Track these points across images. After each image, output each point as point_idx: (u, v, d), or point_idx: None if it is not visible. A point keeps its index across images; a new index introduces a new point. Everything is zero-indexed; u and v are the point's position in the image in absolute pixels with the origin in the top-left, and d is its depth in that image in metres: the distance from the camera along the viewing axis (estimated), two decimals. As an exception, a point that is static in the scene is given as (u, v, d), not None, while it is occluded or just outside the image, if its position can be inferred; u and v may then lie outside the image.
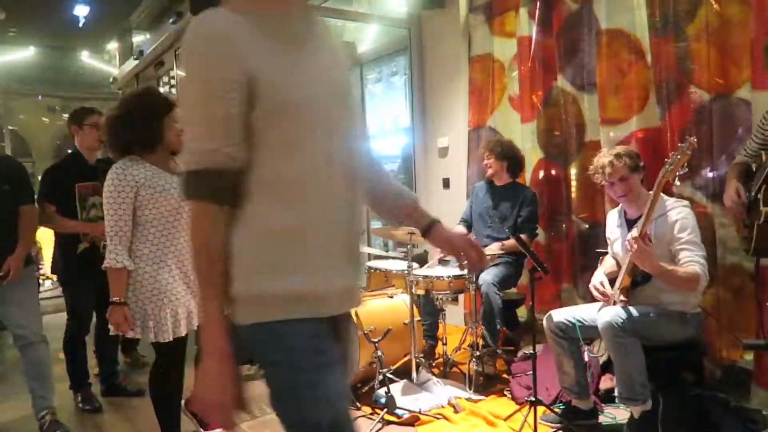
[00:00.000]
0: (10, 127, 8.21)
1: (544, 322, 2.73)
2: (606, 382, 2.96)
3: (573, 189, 3.88)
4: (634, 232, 2.34)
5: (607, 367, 2.98)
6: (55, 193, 3.10)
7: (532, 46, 4.03)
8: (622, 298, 2.46)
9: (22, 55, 8.01)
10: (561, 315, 2.68)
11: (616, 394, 2.46)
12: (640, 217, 2.48)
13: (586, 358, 2.76)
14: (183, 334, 2.40)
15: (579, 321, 2.62)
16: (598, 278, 2.66)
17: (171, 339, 2.33)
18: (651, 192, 2.36)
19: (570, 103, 3.83)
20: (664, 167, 2.30)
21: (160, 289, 2.32)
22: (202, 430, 2.74)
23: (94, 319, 3.32)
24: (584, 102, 3.75)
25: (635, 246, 2.30)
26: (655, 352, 2.44)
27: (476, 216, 3.85)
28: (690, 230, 2.41)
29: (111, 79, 7.67)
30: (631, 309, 2.41)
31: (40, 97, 9.08)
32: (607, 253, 2.90)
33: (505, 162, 3.69)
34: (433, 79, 4.91)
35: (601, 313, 2.45)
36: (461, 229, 3.92)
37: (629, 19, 3.40)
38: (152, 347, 2.39)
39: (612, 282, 2.61)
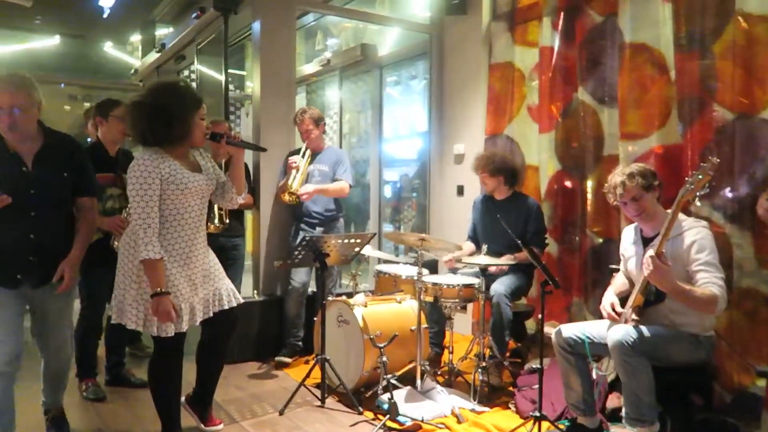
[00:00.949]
0: (31, 114, 8.29)
1: (553, 336, 2.69)
2: (613, 401, 2.91)
3: (588, 202, 3.83)
4: (651, 251, 2.30)
5: (614, 386, 2.93)
6: None
7: (554, 57, 3.99)
8: (633, 316, 2.42)
9: (47, 43, 8.10)
10: (570, 330, 2.64)
11: (623, 414, 2.42)
12: (656, 235, 2.44)
13: (594, 376, 2.72)
14: (184, 329, 2.40)
15: (588, 337, 2.58)
16: (609, 299, 2.61)
17: (173, 333, 2.34)
18: (669, 210, 2.32)
19: (589, 115, 3.79)
20: (685, 186, 2.26)
21: (166, 283, 2.32)
22: (202, 425, 2.75)
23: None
24: (604, 115, 3.71)
25: (652, 265, 2.26)
26: (665, 374, 2.40)
27: (480, 230, 3.80)
28: (708, 251, 2.36)
29: (132, 71, 7.73)
30: (643, 328, 2.37)
31: (62, 85, 9.16)
32: (619, 269, 2.86)
33: (501, 177, 3.62)
34: (452, 85, 4.89)
35: (612, 331, 2.41)
36: (469, 245, 3.86)
37: (654, 34, 3.36)
38: (153, 340, 2.40)
39: (623, 300, 2.57)
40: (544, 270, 2.55)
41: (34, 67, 8.18)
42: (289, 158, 3.95)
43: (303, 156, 3.95)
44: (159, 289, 2.26)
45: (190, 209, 2.41)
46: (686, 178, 2.29)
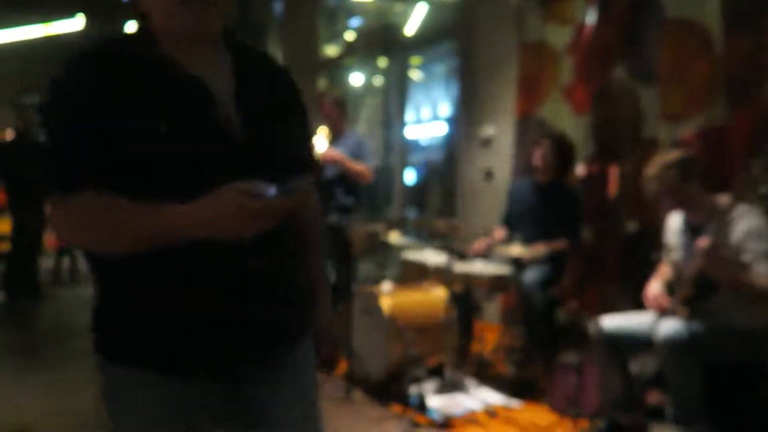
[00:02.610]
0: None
1: (591, 329, 2.55)
2: (654, 397, 2.77)
3: (626, 188, 3.65)
4: (706, 240, 2.13)
5: (655, 382, 2.79)
6: None
7: (589, 34, 3.79)
8: (682, 310, 2.26)
9: (70, 25, 8.07)
10: (610, 323, 2.49)
11: (668, 414, 2.28)
12: (705, 223, 2.28)
13: (634, 371, 2.58)
14: None
15: (629, 331, 2.43)
16: (655, 287, 2.46)
17: None
18: (717, 196, 2.16)
19: (627, 95, 3.59)
20: (744, 173, 2.09)
21: None
22: None
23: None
24: (643, 95, 3.51)
25: (708, 255, 2.10)
26: (715, 372, 2.24)
27: (515, 216, 3.65)
28: (766, 240, 2.19)
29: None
30: (692, 323, 2.22)
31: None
32: (662, 259, 2.69)
33: (557, 158, 3.48)
34: (480, 66, 4.71)
35: (659, 326, 2.26)
36: (501, 231, 3.72)
37: (699, 8, 3.14)
38: None
39: (671, 292, 2.41)
40: (583, 261, 2.40)
41: (57, 50, 8.18)
42: None
43: (320, 139, 3.81)
44: None
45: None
46: (747, 164, 2.12)
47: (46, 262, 6.08)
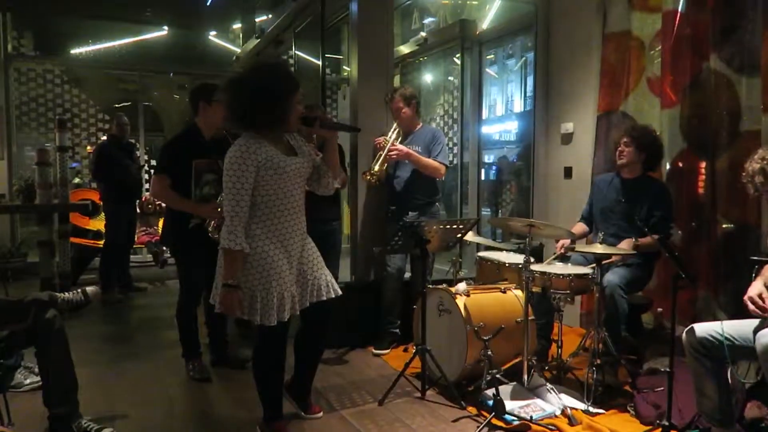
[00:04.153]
0: (145, 103, 8.79)
1: (684, 336, 2.38)
2: (753, 411, 2.56)
3: (720, 185, 3.40)
4: None
5: (754, 393, 2.58)
6: (172, 167, 3.15)
7: (680, 22, 3.56)
8: (789, 318, 2.07)
9: (157, 34, 8.51)
10: (705, 330, 2.32)
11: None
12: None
13: (732, 381, 2.39)
14: (286, 319, 2.35)
15: (727, 338, 2.25)
16: (757, 289, 2.27)
17: (275, 323, 2.29)
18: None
19: (723, 86, 3.35)
20: None
21: (270, 272, 2.27)
22: (302, 413, 2.71)
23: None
24: (742, 86, 3.27)
25: None
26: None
27: (598, 211, 3.49)
28: None
29: (234, 58, 7.94)
30: (800, 332, 2.02)
31: (171, 75, 9.62)
32: (765, 262, 2.48)
33: (644, 154, 3.30)
34: (560, 59, 4.54)
35: (762, 334, 2.08)
36: (581, 227, 3.58)
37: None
38: (257, 328, 2.37)
39: (776, 297, 2.22)
40: (678, 261, 2.25)
41: (145, 58, 8.65)
42: (377, 138, 3.81)
43: (390, 135, 3.77)
44: (230, 281, 2.22)
45: (289, 194, 2.34)
46: None
47: (136, 258, 6.45)
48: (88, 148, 7.55)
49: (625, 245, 3.15)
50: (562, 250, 3.41)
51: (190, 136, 3.26)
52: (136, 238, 5.78)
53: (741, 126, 3.28)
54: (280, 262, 2.31)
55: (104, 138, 6.64)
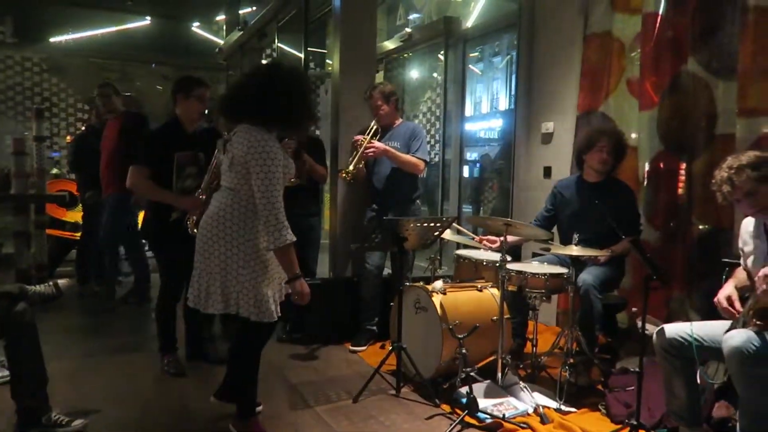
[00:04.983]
0: (126, 93, 8.68)
1: (654, 336, 2.41)
2: (721, 410, 2.60)
3: (696, 187, 3.44)
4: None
5: (723, 393, 2.62)
6: (151, 159, 3.11)
7: (660, 24, 3.59)
8: (756, 321, 2.10)
9: (139, 24, 8.40)
10: (675, 330, 2.35)
11: (738, 430, 2.13)
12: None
13: (700, 381, 2.43)
14: (280, 313, 2.35)
15: (697, 339, 2.29)
16: (727, 292, 2.30)
17: (275, 319, 2.29)
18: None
19: (701, 89, 3.39)
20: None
21: (270, 269, 2.29)
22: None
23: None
24: (719, 89, 3.30)
25: None
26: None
27: (567, 217, 3.48)
28: None
29: (217, 50, 7.87)
30: (767, 335, 2.05)
31: (153, 65, 9.51)
32: (736, 264, 2.52)
33: (617, 160, 3.32)
34: (542, 59, 4.56)
35: (729, 336, 2.10)
36: (537, 230, 3.55)
37: (784, -6, 2.92)
38: (247, 324, 2.35)
39: (743, 300, 2.25)
40: (650, 263, 2.27)
41: (127, 48, 8.55)
42: (355, 136, 3.80)
43: (368, 133, 3.73)
44: (297, 271, 2.22)
45: (281, 192, 2.33)
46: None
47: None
48: (68, 137, 7.45)
49: (603, 254, 3.11)
50: (489, 245, 3.44)
51: (172, 129, 3.22)
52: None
53: (717, 129, 3.32)
54: (274, 261, 2.31)
55: (83, 128, 6.54)
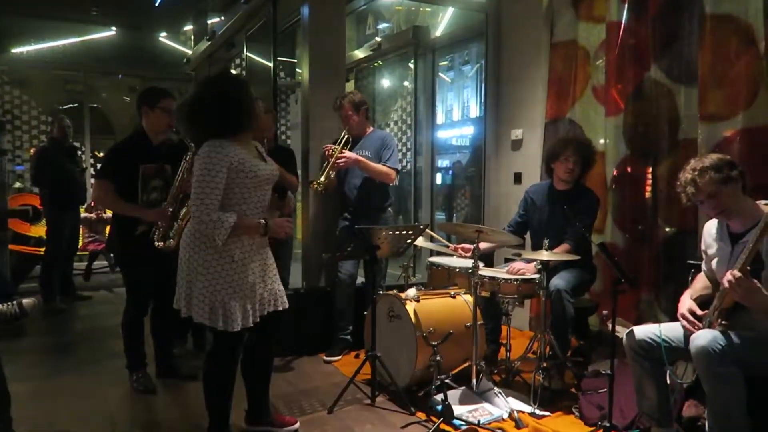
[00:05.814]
0: (92, 105, 8.51)
1: (624, 338, 2.45)
2: (690, 409, 2.64)
3: (661, 190, 3.52)
4: (735, 270, 2.03)
5: (691, 392, 2.66)
6: (116, 172, 3.04)
7: (623, 33, 3.68)
8: (721, 321, 2.15)
9: (104, 34, 8.27)
10: (644, 332, 2.39)
11: (706, 428, 2.16)
12: (746, 231, 2.17)
13: (670, 382, 2.47)
14: (250, 325, 2.31)
15: (665, 340, 2.32)
16: (688, 305, 2.34)
17: (239, 329, 2.25)
18: (758, 203, 2.04)
19: (663, 95, 3.48)
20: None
21: (237, 277, 2.25)
22: (279, 429, 2.63)
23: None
24: (680, 95, 3.39)
25: (739, 286, 2.00)
26: (756, 384, 2.12)
27: (537, 224, 3.49)
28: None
29: (185, 60, 7.78)
30: (731, 334, 2.10)
31: (120, 77, 9.35)
32: (699, 266, 2.57)
33: (584, 170, 3.37)
34: (509, 67, 4.62)
35: (696, 336, 2.14)
36: (509, 236, 3.57)
37: (741, 3, 3.01)
38: (213, 335, 2.32)
39: (705, 304, 2.30)
40: (617, 266, 2.31)
41: (92, 59, 8.39)
42: (326, 146, 3.78)
43: (339, 143, 3.72)
44: (263, 227, 2.28)
45: (257, 198, 2.31)
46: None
47: (80, 265, 6.23)
48: (31, 150, 7.26)
49: (556, 253, 3.15)
50: (464, 253, 3.46)
51: (137, 141, 3.16)
52: (80, 245, 5.57)
53: (680, 134, 3.41)
54: (247, 268, 2.28)
55: (45, 141, 6.39)
